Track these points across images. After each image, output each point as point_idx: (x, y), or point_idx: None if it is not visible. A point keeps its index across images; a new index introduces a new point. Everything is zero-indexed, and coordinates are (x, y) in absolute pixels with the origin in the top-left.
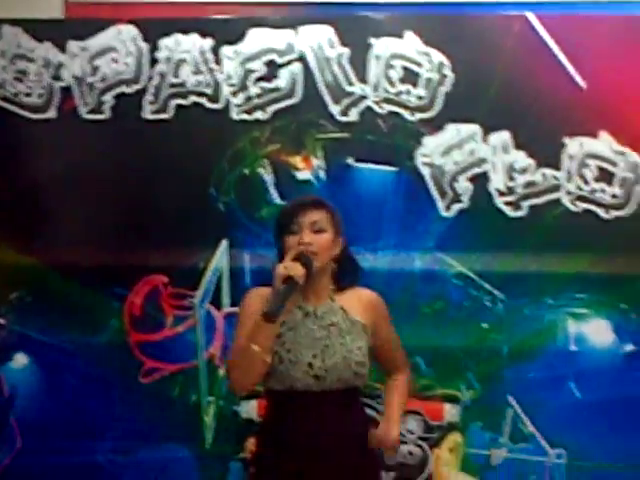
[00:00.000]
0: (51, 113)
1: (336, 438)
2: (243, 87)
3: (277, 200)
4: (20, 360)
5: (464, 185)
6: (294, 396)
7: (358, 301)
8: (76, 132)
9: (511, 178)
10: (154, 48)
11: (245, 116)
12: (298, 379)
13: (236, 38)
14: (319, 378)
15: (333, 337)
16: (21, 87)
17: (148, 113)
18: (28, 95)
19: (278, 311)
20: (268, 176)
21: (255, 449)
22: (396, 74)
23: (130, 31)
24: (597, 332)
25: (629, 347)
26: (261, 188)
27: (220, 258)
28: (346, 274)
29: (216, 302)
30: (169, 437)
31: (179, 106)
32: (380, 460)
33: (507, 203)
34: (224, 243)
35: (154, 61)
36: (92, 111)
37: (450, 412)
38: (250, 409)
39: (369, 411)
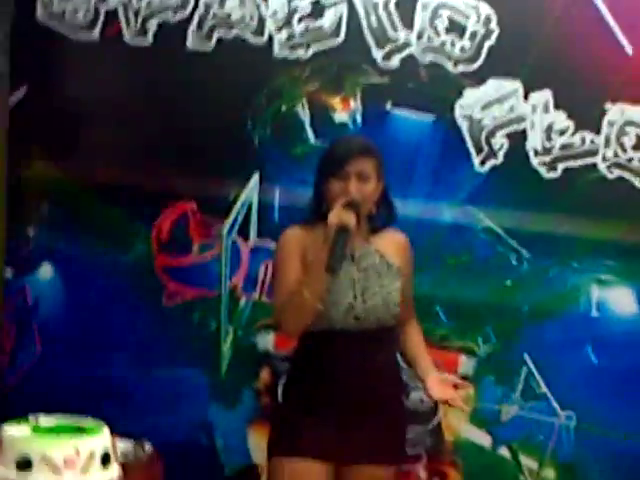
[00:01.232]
0: (95, 35)
1: (369, 375)
2: (287, 24)
3: (312, 139)
4: (45, 272)
5: (501, 141)
6: (331, 336)
7: (392, 244)
8: (118, 56)
9: (549, 138)
10: None
11: (287, 53)
12: (338, 320)
13: None
14: (359, 319)
15: (371, 279)
16: (68, 6)
17: (191, 42)
18: (73, 15)
19: (341, 262)
20: (305, 115)
21: (287, 383)
22: (442, 24)
23: None
24: (620, 300)
25: None
26: (297, 126)
27: (251, 191)
28: (382, 216)
29: (243, 234)
30: (185, 360)
31: (222, 38)
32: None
33: (542, 163)
34: (256, 176)
35: None
36: (136, 36)
37: (465, 364)
38: (267, 341)
39: None
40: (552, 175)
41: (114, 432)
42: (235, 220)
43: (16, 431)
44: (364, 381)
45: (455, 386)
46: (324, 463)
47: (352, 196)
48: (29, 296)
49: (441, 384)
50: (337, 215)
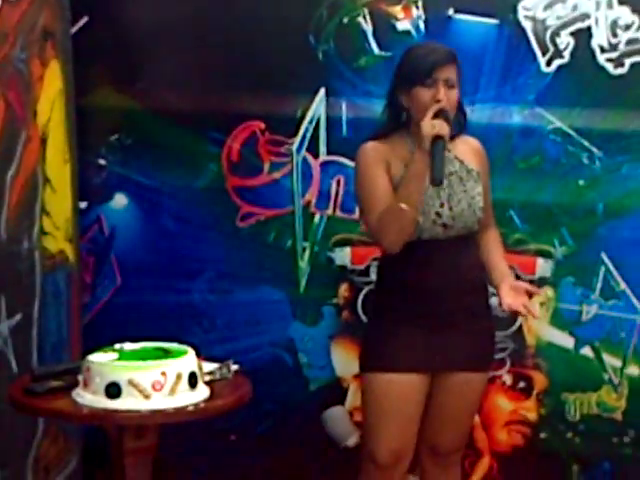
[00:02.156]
0: None
1: (458, 281)
2: None
3: (376, 50)
4: (120, 201)
5: (566, 40)
6: (419, 245)
7: (469, 149)
8: None
9: (614, 34)
10: None
11: None
12: (426, 229)
13: None
14: (446, 226)
15: (455, 186)
16: None
17: None
18: None
19: (443, 172)
20: (367, 25)
21: (375, 298)
22: None
23: None
24: None
25: None
26: (360, 37)
27: (317, 106)
28: (457, 123)
29: (313, 150)
30: (264, 280)
31: None
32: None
33: (609, 60)
34: (322, 91)
35: None
36: None
37: (542, 267)
38: (344, 256)
39: None
40: (619, 71)
41: (199, 356)
42: (304, 137)
43: (102, 358)
44: (453, 288)
45: (529, 293)
46: (418, 374)
47: (442, 104)
48: (105, 227)
49: (512, 292)
50: (431, 125)
